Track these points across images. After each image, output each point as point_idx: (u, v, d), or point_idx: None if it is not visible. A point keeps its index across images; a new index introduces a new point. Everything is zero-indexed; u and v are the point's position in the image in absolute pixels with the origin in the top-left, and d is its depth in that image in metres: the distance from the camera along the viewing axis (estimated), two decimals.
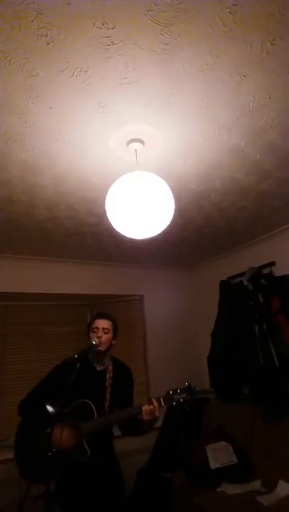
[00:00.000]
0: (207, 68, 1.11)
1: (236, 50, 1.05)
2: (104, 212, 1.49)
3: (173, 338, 3.43)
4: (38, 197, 1.90)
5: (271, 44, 1.04)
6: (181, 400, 1.61)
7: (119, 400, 1.74)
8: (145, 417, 1.56)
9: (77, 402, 1.64)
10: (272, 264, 2.68)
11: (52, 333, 3.14)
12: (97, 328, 1.76)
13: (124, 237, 1.50)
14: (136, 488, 2.37)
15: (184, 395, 1.61)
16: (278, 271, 2.63)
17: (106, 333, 1.75)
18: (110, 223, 1.43)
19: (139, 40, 0.99)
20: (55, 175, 1.69)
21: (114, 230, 1.46)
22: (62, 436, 1.53)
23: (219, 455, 2.30)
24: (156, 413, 1.57)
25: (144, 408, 1.57)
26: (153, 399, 1.60)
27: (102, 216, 2.17)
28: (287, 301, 2.40)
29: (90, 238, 2.61)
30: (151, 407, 1.57)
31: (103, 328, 1.76)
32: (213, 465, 2.23)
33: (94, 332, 1.75)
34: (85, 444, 1.55)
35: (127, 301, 3.43)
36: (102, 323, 1.77)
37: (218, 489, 2.03)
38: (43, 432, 1.54)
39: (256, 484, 2.03)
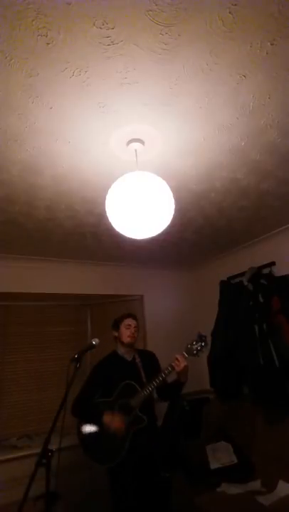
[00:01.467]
0: (207, 68, 1.11)
1: (236, 50, 1.05)
2: (104, 212, 1.49)
3: (173, 338, 3.42)
4: (38, 197, 1.90)
5: (271, 44, 1.04)
6: (199, 347, 1.94)
7: (152, 373, 1.97)
8: (178, 368, 1.85)
9: (122, 384, 1.92)
10: (272, 264, 2.68)
11: (52, 333, 3.14)
12: (129, 325, 2.09)
13: (124, 237, 1.50)
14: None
15: (199, 343, 1.95)
16: (278, 271, 2.63)
17: (137, 331, 2.12)
18: (110, 223, 1.43)
19: (139, 40, 0.99)
20: (55, 175, 1.69)
21: (114, 230, 1.46)
22: (114, 418, 1.84)
23: (219, 455, 2.30)
24: (186, 363, 1.87)
25: (174, 363, 1.87)
26: (176, 355, 1.90)
27: (102, 216, 2.17)
28: (287, 301, 2.40)
29: (90, 238, 2.61)
30: (180, 359, 1.87)
31: (135, 326, 2.10)
32: (213, 465, 2.23)
33: (127, 328, 2.07)
34: (139, 413, 1.86)
35: (127, 301, 3.43)
36: (135, 322, 2.12)
37: (218, 489, 2.04)
38: (99, 422, 1.87)
39: (256, 484, 2.03)
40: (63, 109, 1.24)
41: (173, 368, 1.87)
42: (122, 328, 2.08)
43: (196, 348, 1.94)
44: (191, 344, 1.97)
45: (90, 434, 1.90)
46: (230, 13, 0.93)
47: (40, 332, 3.09)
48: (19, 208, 2.03)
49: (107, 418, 1.85)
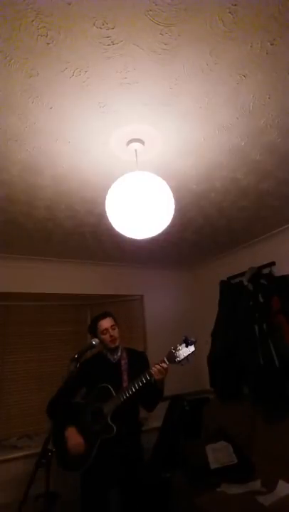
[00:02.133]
0: (207, 68, 1.11)
1: (236, 50, 1.05)
2: (104, 212, 1.49)
3: (173, 338, 3.40)
4: (38, 197, 1.90)
5: (271, 44, 1.04)
6: (184, 354, 1.70)
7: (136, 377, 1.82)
8: (157, 376, 1.68)
9: (97, 387, 1.79)
10: (272, 264, 2.68)
11: (52, 333, 3.14)
12: (106, 329, 1.89)
13: (124, 237, 1.50)
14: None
15: (184, 349, 1.71)
16: (278, 271, 2.63)
17: (114, 329, 1.91)
18: (110, 223, 1.43)
19: (139, 40, 0.99)
20: (55, 175, 1.69)
21: (114, 230, 1.45)
22: (73, 436, 1.71)
23: (219, 455, 2.30)
24: (163, 365, 1.69)
25: (153, 369, 1.69)
26: (158, 362, 1.71)
27: (102, 216, 2.17)
28: (287, 301, 2.40)
29: (90, 238, 2.61)
30: (159, 366, 1.69)
31: (111, 326, 1.90)
32: (213, 465, 2.23)
33: (104, 334, 1.89)
34: (109, 421, 1.69)
35: (127, 301, 3.43)
36: (108, 322, 1.91)
37: (218, 489, 2.03)
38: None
39: (256, 484, 2.03)
40: (63, 109, 1.24)
41: (151, 375, 1.70)
42: (99, 335, 1.89)
43: (181, 354, 1.70)
44: (175, 349, 1.73)
45: (59, 437, 1.75)
46: (230, 13, 0.93)
47: (40, 332, 3.09)
48: (19, 208, 2.03)
49: (67, 433, 1.73)
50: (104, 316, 1.93)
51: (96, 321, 1.93)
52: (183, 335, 1.77)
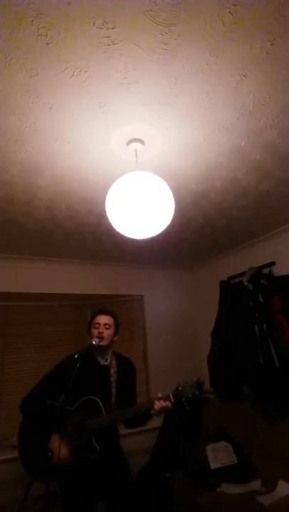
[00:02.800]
0: (207, 68, 1.11)
1: (236, 50, 1.05)
2: (104, 212, 1.49)
3: (173, 338, 3.43)
4: (38, 197, 1.90)
5: (271, 44, 1.04)
6: (190, 395, 1.62)
7: (124, 394, 1.73)
8: (157, 413, 1.60)
9: (85, 399, 1.62)
10: (272, 264, 2.68)
11: (52, 333, 3.13)
12: (98, 323, 1.77)
13: (124, 237, 1.50)
14: (136, 489, 2.37)
15: (193, 391, 1.63)
16: (278, 271, 2.63)
17: (107, 329, 1.77)
18: (110, 223, 1.43)
19: (139, 40, 0.99)
20: (55, 175, 1.69)
21: (114, 230, 1.46)
22: (61, 451, 1.48)
23: (219, 455, 2.30)
24: (168, 405, 1.60)
25: (156, 404, 1.59)
26: (163, 397, 1.61)
27: (102, 216, 2.17)
28: (287, 301, 2.40)
29: (90, 238, 2.61)
30: (164, 403, 1.59)
31: (105, 324, 1.77)
32: (213, 465, 2.23)
33: (95, 328, 1.76)
34: (94, 442, 1.54)
35: (127, 301, 3.43)
36: (104, 319, 1.79)
37: (218, 489, 2.03)
38: (44, 438, 1.54)
39: (256, 484, 2.03)
40: (63, 109, 1.24)
41: (152, 408, 1.60)
42: (91, 328, 1.78)
43: (187, 394, 1.63)
44: (184, 388, 1.65)
45: (30, 438, 1.62)
46: (230, 13, 0.93)
47: (40, 332, 3.08)
48: (19, 208, 2.03)
49: (52, 442, 1.52)
50: (103, 312, 1.83)
51: (93, 314, 1.84)
52: (195, 376, 1.71)
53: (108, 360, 1.80)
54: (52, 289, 3.01)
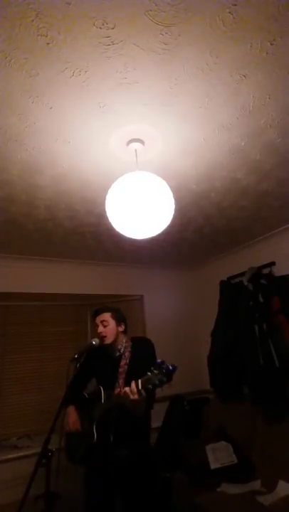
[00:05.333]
0: (207, 68, 1.11)
1: (236, 50, 1.05)
2: (104, 212, 1.49)
3: (173, 338, 3.43)
4: (38, 197, 1.90)
5: (271, 44, 1.04)
6: (157, 382, 1.39)
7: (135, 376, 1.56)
8: (123, 400, 1.47)
9: (95, 388, 1.72)
10: (272, 264, 2.68)
11: (52, 333, 3.14)
12: (96, 324, 1.80)
13: (124, 237, 1.50)
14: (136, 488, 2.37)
15: (159, 376, 1.39)
16: (278, 271, 2.63)
17: (106, 326, 1.77)
18: (110, 223, 1.43)
19: (139, 40, 0.99)
20: (55, 175, 1.69)
21: (114, 230, 1.45)
22: (70, 419, 1.72)
23: (219, 455, 2.30)
24: (132, 396, 1.41)
25: (122, 392, 1.46)
26: (132, 381, 1.45)
27: (102, 216, 2.17)
28: (287, 301, 2.40)
29: (90, 238, 2.61)
30: (126, 389, 1.45)
31: (102, 321, 1.78)
32: (213, 465, 2.23)
33: (96, 328, 1.79)
34: (94, 429, 1.60)
35: (127, 301, 3.43)
36: (99, 318, 1.80)
37: (218, 489, 2.03)
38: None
39: (256, 484, 2.03)
40: (63, 109, 1.24)
41: (119, 397, 1.51)
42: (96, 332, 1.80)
43: (154, 381, 1.39)
44: (152, 373, 1.42)
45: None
46: (230, 13, 0.93)
47: (40, 332, 3.09)
48: (19, 208, 2.03)
49: (68, 409, 1.75)
50: (97, 312, 1.82)
51: (92, 317, 1.87)
52: (169, 364, 1.42)
53: (121, 351, 1.78)
54: (52, 289, 3.01)
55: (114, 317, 1.82)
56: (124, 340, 1.82)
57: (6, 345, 2.91)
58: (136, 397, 1.41)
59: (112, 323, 1.79)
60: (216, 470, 2.20)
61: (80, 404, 1.78)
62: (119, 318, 1.85)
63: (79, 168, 1.64)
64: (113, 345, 1.78)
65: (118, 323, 1.82)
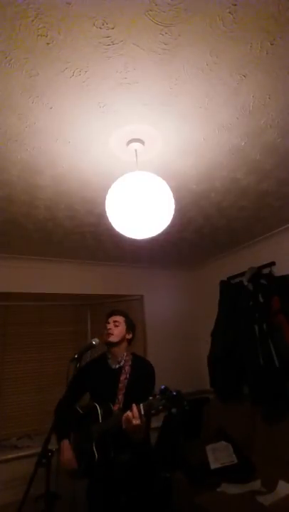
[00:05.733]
0: (207, 68, 1.11)
1: (236, 50, 1.05)
2: (104, 212, 1.49)
3: (173, 338, 3.43)
4: (38, 197, 1.90)
5: (271, 44, 1.04)
6: (160, 407, 1.36)
7: (134, 401, 1.46)
8: (124, 425, 1.40)
9: (89, 404, 1.65)
10: (272, 264, 2.68)
11: (52, 333, 3.13)
12: (108, 322, 1.80)
13: (124, 237, 1.50)
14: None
15: (163, 401, 1.36)
16: (278, 271, 2.63)
17: (117, 326, 1.78)
18: (110, 223, 1.43)
19: (139, 40, 0.99)
20: (55, 175, 1.69)
21: (114, 230, 1.45)
22: (65, 457, 1.58)
23: (219, 455, 2.30)
24: (134, 421, 1.35)
25: (124, 417, 1.40)
26: (133, 405, 1.39)
27: (102, 216, 2.17)
28: (287, 301, 2.40)
29: (89, 238, 2.61)
30: (128, 414, 1.38)
31: (114, 321, 1.79)
32: (213, 465, 2.23)
33: (104, 328, 1.79)
34: (93, 448, 1.52)
35: (127, 301, 3.43)
36: (113, 318, 1.82)
37: (218, 489, 2.03)
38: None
39: (256, 484, 2.03)
40: (63, 109, 1.24)
41: (119, 422, 1.43)
42: (104, 329, 1.80)
43: (157, 406, 1.36)
44: (154, 398, 1.38)
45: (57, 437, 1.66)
46: (230, 13, 0.93)
47: (40, 332, 3.08)
48: (19, 208, 2.03)
49: (62, 445, 1.61)
50: (112, 313, 1.85)
51: (106, 317, 1.86)
52: (162, 385, 1.40)
53: (121, 363, 1.74)
54: (52, 289, 3.01)
55: (126, 322, 1.84)
56: (125, 353, 1.78)
57: (6, 345, 2.91)
58: (138, 422, 1.35)
59: (122, 327, 1.81)
60: (216, 470, 2.20)
61: (73, 420, 1.66)
62: (131, 326, 1.86)
63: (79, 168, 1.64)
64: (115, 351, 1.77)
65: (128, 330, 1.84)
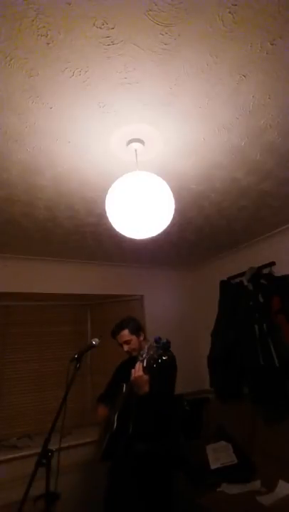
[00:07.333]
0: (207, 68, 1.11)
1: (236, 50, 1.05)
2: (105, 212, 1.49)
3: (173, 338, 3.37)
4: (38, 197, 1.90)
5: (271, 44, 1.04)
6: (156, 356, 1.55)
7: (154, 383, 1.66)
8: (133, 383, 1.62)
9: (119, 385, 1.86)
10: (272, 264, 2.68)
11: (52, 333, 3.14)
12: (119, 344, 1.94)
13: (124, 237, 1.50)
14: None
15: (159, 351, 1.55)
16: (278, 271, 2.63)
17: (129, 343, 1.91)
18: (110, 223, 1.43)
19: (139, 40, 0.99)
20: (55, 175, 1.69)
21: (114, 230, 1.45)
22: (100, 411, 1.95)
23: (219, 455, 2.30)
24: (136, 373, 1.59)
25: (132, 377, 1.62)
26: (138, 362, 1.63)
27: (102, 216, 2.17)
28: (287, 301, 2.40)
29: (90, 238, 2.61)
30: (132, 370, 1.62)
31: (125, 342, 1.91)
32: (213, 465, 2.23)
33: (121, 347, 1.94)
34: (115, 417, 1.75)
35: (127, 301, 3.43)
36: (121, 338, 1.92)
37: (218, 489, 2.03)
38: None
39: (256, 484, 2.03)
40: (63, 109, 1.24)
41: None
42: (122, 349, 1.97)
43: (152, 355, 1.57)
44: (152, 350, 1.59)
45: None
46: (230, 13, 0.93)
47: (40, 332, 3.08)
48: (19, 208, 2.03)
49: (98, 405, 1.98)
50: (114, 334, 1.94)
51: (112, 337, 1.96)
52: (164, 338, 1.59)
53: (144, 356, 1.84)
54: (52, 289, 3.00)
55: (132, 331, 1.93)
56: (146, 346, 1.85)
57: (6, 345, 2.91)
58: (140, 373, 1.57)
59: (133, 339, 1.92)
60: (216, 470, 2.20)
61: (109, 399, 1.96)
62: (137, 330, 1.95)
63: (79, 168, 1.64)
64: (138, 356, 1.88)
65: (138, 336, 1.94)
